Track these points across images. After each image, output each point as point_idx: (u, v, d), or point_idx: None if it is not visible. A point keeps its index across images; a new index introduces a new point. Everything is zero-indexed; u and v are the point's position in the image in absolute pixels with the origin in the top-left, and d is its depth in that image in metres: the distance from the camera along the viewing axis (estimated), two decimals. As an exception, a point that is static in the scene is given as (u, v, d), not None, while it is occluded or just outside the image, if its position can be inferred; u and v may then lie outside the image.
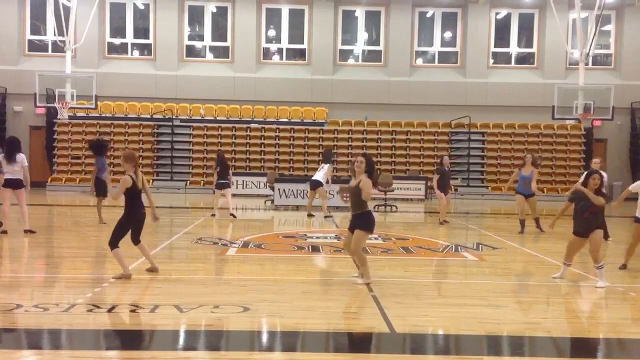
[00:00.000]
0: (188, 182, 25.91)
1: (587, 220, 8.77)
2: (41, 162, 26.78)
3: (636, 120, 27.55)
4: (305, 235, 13.32)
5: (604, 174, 10.27)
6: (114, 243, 8.46)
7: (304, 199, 19.89)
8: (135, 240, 8.79)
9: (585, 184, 8.85)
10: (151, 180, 25.33)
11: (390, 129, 27.02)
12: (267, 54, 28.63)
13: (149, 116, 27.04)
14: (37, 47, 28.01)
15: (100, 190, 14.51)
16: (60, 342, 6.19)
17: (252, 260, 10.55)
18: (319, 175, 17.47)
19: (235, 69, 27.90)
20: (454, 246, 12.23)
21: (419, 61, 28.82)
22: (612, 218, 21.10)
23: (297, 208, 19.95)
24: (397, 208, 20.58)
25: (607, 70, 28.10)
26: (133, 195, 8.54)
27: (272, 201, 20.58)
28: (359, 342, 6.30)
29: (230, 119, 27.19)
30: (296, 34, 28.50)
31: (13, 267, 9.67)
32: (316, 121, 27.29)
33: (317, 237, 13.04)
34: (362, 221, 8.50)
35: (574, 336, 6.68)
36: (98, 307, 7.04)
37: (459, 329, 6.77)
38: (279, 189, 20.34)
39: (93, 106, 25.40)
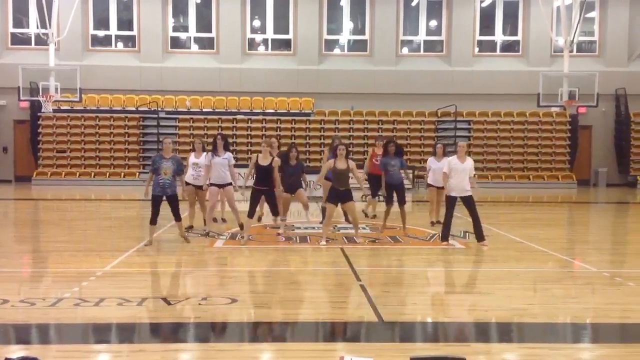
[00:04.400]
0: (175, 174, 25.73)
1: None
2: (26, 157, 26.54)
3: (620, 107, 27.70)
4: (293, 226, 13.31)
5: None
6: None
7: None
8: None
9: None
10: (137, 173, 25.21)
11: (376, 119, 27.00)
12: (252, 44, 28.48)
13: (134, 109, 26.84)
14: (19, 40, 27.66)
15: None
16: (47, 337, 6.17)
17: (239, 252, 10.54)
18: None
19: (220, 60, 27.74)
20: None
21: (405, 50, 28.78)
22: (598, 204, 21.38)
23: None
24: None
25: (592, 57, 28.19)
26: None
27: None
28: (348, 331, 6.32)
29: (216, 110, 27.05)
30: (281, 24, 28.34)
31: (-1, 262, 9.60)
32: (303, 112, 27.22)
33: (305, 228, 13.04)
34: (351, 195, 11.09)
35: (561, 322, 6.74)
36: (85, 300, 7.02)
37: (446, 316, 6.82)
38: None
39: (77, 99, 25.11)
